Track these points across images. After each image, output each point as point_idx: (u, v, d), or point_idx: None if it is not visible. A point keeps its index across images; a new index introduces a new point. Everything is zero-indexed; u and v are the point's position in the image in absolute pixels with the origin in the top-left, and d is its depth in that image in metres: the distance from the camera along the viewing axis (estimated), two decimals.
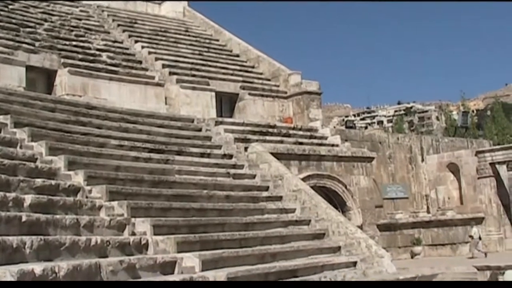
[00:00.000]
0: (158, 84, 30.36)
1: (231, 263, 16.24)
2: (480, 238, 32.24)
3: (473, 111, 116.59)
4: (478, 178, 36.90)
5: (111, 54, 31.40)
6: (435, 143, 41.98)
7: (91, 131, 21.41)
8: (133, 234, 15.11)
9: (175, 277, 13.32)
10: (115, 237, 13.86)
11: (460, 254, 34.13)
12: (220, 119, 29.05)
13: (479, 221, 35.89)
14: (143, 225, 15.75)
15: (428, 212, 37.36)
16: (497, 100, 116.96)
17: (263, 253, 17.79)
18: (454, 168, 38.21)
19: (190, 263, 14.73)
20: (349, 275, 18.66)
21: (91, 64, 29.09)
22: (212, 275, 14.53)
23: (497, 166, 37.24)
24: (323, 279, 17.69)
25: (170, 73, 31.84)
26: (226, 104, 33.96)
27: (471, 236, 32.28)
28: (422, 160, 39.90)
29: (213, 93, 31.95)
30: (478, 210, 36.47)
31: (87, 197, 15.90)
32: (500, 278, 22.46)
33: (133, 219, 15.66)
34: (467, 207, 37.05)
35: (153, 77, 30.69)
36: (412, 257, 33.87)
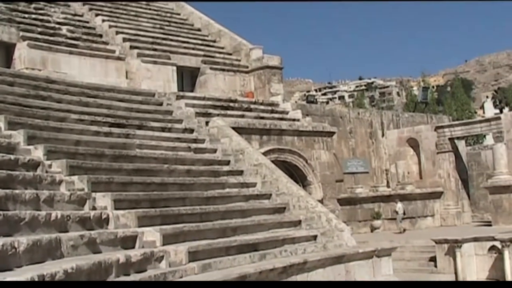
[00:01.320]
0: (118, 58, 30.14)
1: (192, 237, 16.32)
2: (404, 214, 32.92)
3: (433, 87, 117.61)
4: (437, 153, 37.33)
5: (71, 28, 31.04)
6: (395, 118, 42.33)
7: (51, 105, 21.21)
8: (94, 208, 15.06)
9: (135, 252, 13.33)
10: (75, 212, 13.81)
11: (419, 227, 34.59)
12: (181, 93, 28.94)
13: (438, 195, 36.37)
14: (103, 200, 15.72)
15: (388, 186, 37.74)
16: (457, 76, 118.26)
17: (224, 227, 17.88)
18: (414, 143, 38.59)
19: (151, 238, 14.77)
20: (310, 248, 18.84)
21: (51, 38, 28.74)
22: (173, 249, 14.60)
23: (456, 141, 37.71)
24: (283, 253, 17.85)
25: (131, 47, 31.58)
26: (187, 78, 33.82)
27: (396, 212, 32.87)
28: (383, 135, 40.22)
29: (174, 68, 31.79)
30: (437, 185, 36.94)
31: (47, 171, 15.79)
32: (457, 251, 22.81)
33: (93, 194, 15.60)
34: (426, 181, 37.49)
35: (113, 51, 30.44)
36: (372, 231, 34.23)
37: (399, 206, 32.81)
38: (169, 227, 15.80)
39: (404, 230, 32.58)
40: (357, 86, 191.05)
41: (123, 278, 11.96)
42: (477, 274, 23.11)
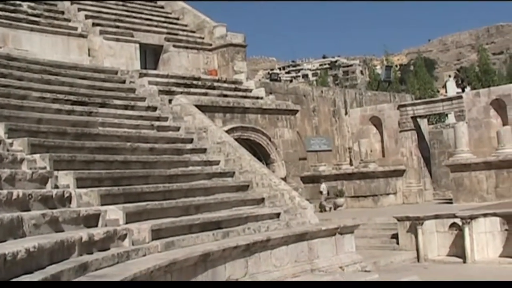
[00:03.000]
0: (81, 36, 29.81)
1: (155, 215, 16.31)
2: (328, 194, 33.41)
3: (396, 66, 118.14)
4: (400, 131, 37.63)
5: (32, 4, 30.57)
6: (358, 97, 42.54)
7: (11, 83, 20.97)
8: (56, 187, 14.96)
9: (98, 230, 13.29)
10: (37, 191, 13.70)
11: (382, 205, 34.88)
12: (144, 71, 28.76)
13: (400, 173, 36.70)
14: (66, 178, 15.63)
15: (350, 164, 37.96)
16: (420, 56, 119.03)
17: (187, 205, 17.90)
18: (376, 122, 38.84)
19: (114, 216, 14.73)
20: (273, 226, 18.93)
21: (12, 14, 28.31)
22: (136, 227, 14.58)
23: (418, 119, 38.03)
24: (246, 231, 17.91)
25: (93, 24, 31.24)
26: (151, 56, 33.59)
27: (320, 192, 33.31)
28: (346, 113, 40.41)
29: (137, 45, 31.55)
30: (400, 163, 37.27)
31: (8, 150, 15.64)
32: (419, 228, 23.04)
33: (55, 172, 15.49)
34: (389, 159, 37.80)
35: (76, 28, 30.10)
36: (335, 209, 34.43)
37: (323, 186, 33.66)
38: (132, 205, 15.77)
39: (330, 209, 33.05)
40: (320, 65, 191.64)
41: (86, 257, 11.92)
42: (438, 250, 23.39)
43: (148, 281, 12.16)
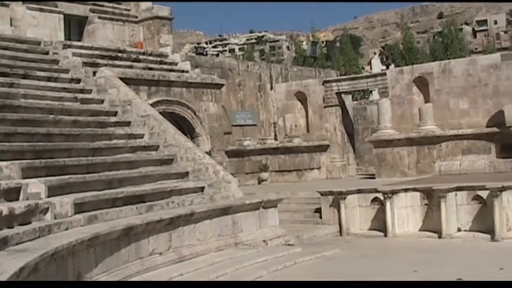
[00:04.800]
0: (2, 5, 29.06)
1: (78, 188, 16.16)
2: None
3: (322, 42, 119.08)
4: (325, 107, 37.95)
5: None
6: (284, 72, 42.68)
7: None
8: None
9: (19, 204, 13.11)
10: None
11: (306, 180, 35.22)
12: (68, 42, 28.28)
13: (324, 148, 37.09)
14: None
15: (275, 139, 38.17)
16: (345, 32, 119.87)
17: (110, 179, 17.77)
18: (301, 97, 39.08)
19: (36, 189, 14.50)
20: (197, 200, 18.96)
21: None
22: (58, 201, 14.42)
23: (343, 95, 38.40)
24: (170, 205, 17.90)
25: None
26: (75, 27, 33.00)
27: None
28: (271, 88, 40.52)
29: (62, 16, 30.91)
30: (324, 138, 37.65)
31: None
32: (342, 203, 23.35)
33: None
34: (313, 135, 38.14)
35: None
36: (259, 183, 34.63)
37: None
38: (54, 178, 15.57)
39: None
40: (247, 40, 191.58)
41: (6, 231, 11.76)
42: (361, 224, 23.74)
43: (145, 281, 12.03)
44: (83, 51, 27.32)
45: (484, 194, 21.54)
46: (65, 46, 27.10)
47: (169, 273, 15.08)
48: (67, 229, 13.74)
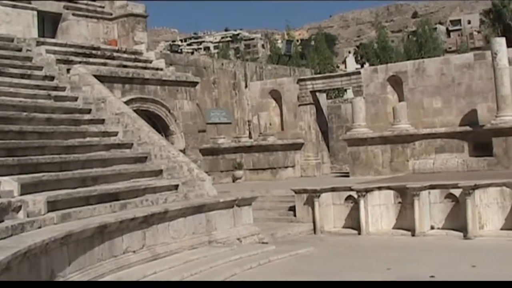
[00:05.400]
0: None
1: (51, 186, 16.07)
2: None
3: (297, 41, 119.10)
4: (299, 105, 38.02)
5: None
6: (259, 70, 42.70)
7: None
8: None
9: None
10: None
11: (280, 178, 35.25)
12: (41, 39, 28.11)
13: (298, 146, 37.15)
14: None
15: (250, 137, 38.16)
16: (320, 31, 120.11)
17: (84, 177, 17.69)
18: (276, 95, 39.11)
19: (9, 187, 14.41)
20: (171, 198, 18.93)
21: None
22: (31, 199, 14.33)
23: (317, 94, 38.50)
24: (144, 202, 17.86)
25: None
26: (49, 24, 32.79)
27: None
28: (246, 86, 40.53)
29: (35, 12, 30.71)
30: (298, 136, 37.71)
31: None
32: (316, 201, 23.39)
33: None
34: (287, 133, 38.19)
35: None
36: (233, 181, 34.64)
37: None
38: (27, 176, 15.48)
39: None
40: (222, 38, 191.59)
41: None
42: (334, 222, 23.80)
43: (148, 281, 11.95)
44: (57, 48, 27.17)
45: (457, 192, 21.67)
46: (39, 43, 26.94)
47: (143, 271, 15.04)
48: (40, 227, 13.65)
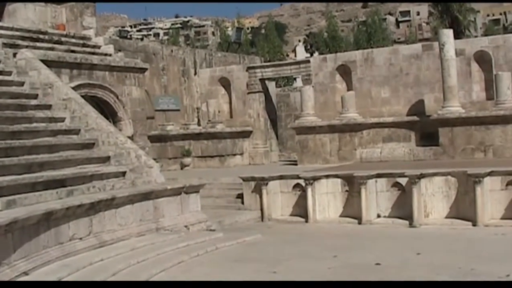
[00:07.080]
0: None
1: None
2: None
3: (248, 29, 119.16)
4: (248, 93, 38.06)
5: None
6: (208, 57, 42.57)
7: None
8: None
9: None
10: None
11: (228, 165, 35.29)
12: None
13: (247, 134, 37.22)
14: None
15: (198, 124, 38.06)
16: (271, 19, 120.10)
17: (30, 163, 17.47)
18: (225, 83, 39.10)
19: None
20: (118, 185, 18.84)
21: None
22: None
23: (266, 82, 38.59)
24: (91, 189, 17.74)
25: None
26: None
27: None
28: (195, 73, 40.37)
29: None
30: (247, 124, 37.77)
31: None
32: (264, 189, 23.48)
33: None
34: (236, 120, 38.22)
35: None
36: (182, 168, 34.55)
37: None
38: None
39: None
40: (172, 24, 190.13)
41: None
42: (282, 210, 23.95)
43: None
44: (2, 32, 26.71)
45: (403, 181, 21.96)
46: None
47: (90, 259, 14.94)
48: None
